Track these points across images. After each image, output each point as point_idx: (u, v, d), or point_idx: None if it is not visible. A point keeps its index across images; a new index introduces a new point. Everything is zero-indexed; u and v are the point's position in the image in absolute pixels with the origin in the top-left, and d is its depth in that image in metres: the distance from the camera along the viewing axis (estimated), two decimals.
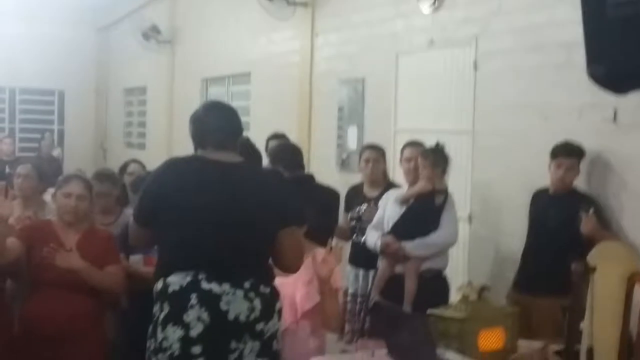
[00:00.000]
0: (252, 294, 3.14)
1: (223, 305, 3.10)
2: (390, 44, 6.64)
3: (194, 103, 10.27)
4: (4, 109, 14.24)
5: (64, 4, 13.06)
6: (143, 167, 5.75)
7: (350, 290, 5.37)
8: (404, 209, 4.85)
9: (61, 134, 14.48)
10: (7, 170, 8.86)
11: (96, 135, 14.77)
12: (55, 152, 12.94)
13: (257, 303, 3.15)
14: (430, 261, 4.76)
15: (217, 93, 10.19)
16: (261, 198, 3.25)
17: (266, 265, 3.29)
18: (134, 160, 5.91)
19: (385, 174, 5.58)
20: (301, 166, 4.94)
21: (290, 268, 3.41)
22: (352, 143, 7.17)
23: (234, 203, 3.20)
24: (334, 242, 4.67)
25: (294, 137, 7.66)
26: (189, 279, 3.10)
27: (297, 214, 3.35)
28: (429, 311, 3.63)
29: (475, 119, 5.68)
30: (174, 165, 3.37)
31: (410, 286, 4.72)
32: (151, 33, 11.20)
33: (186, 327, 3.08)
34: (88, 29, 14.15)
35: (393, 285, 4.78)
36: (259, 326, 3.16)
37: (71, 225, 4.04)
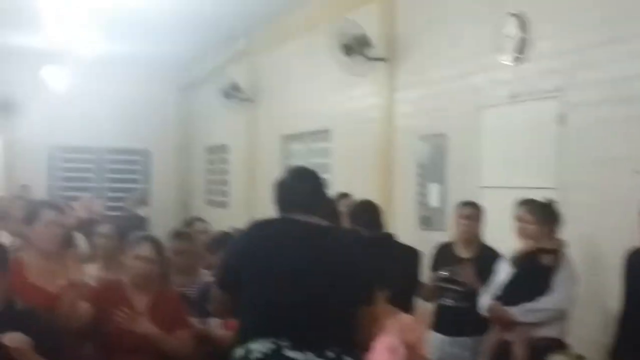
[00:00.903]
0: None
1: None
2: (471, 98, 6.50)
3: (275, 161, 10.38)
4: (92, 169, 14.65)
5: (148, 64, 13.42)
6: (208, 225, 5.75)
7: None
8: (514, 271, 4.60)
9: (147, 192, 14.76)
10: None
11: (180, 194, 15.00)
12: (142, 211, 13.17)
13: None
14: (545, 328, 4.43)
15: (298, 150, 10.21)
16: (347, 263, 3.18)
17: (350, 333, 3.18)
18: (199, 219, 5.90)
19: (479, 233, 5.35)
20: (380, 225, 4.82)
21: (364, 347, 3.30)
22: (434, 200, 7.00)
23: (319, 267, 3.12)
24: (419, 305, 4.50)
25: (373, 195, 7.54)
26: (271, 346, 3.03)
27: (382, 279, 3.28)
28: None
29: (561, 175, 5.46)
30: (258, 227, 3.34)
31: (518, 355, 4.42)
32: (232, 91, 11.33)
33: None
34: (171, 88, 14.49)
35: (503, 355, 4.49)
36: None
37: (141, 288, 4.01)
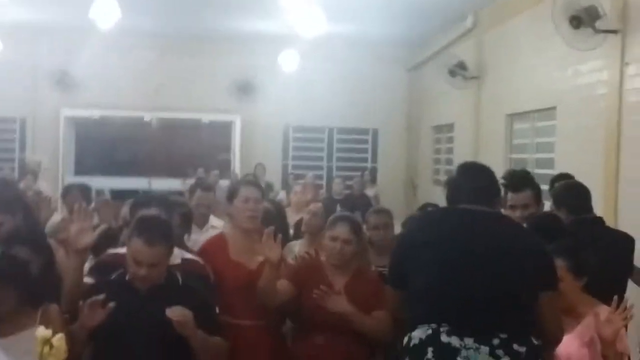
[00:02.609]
0: (500, 352, 2.91)
1: None
2: None
3: (499, 140, 10.07)
4: (323, 148, 15.11)
5: (376, 45, 13.57)
6: None
7: None
8: None
9: (374, 171, 14.99)
10: (338, 208, 9.12)
11: (407, 172, 15.06)
12: (371, 191, 13.35)
13: None
14: None
15: (522, 129, 9.83)
16: (519, 248, 3.05)
17: (525, 319, 3.01)
18: (430, 204, 5.82)
19: None
20: (587, 209, 4.49)
21: (550, 338, 3.10)
22: None
23: (486, 252, 3.03)
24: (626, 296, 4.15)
25: (599, 176, 7.13)
26: (429, 332, 2.99)
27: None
28: None
29: None
30: (424, 216, 3.31)
31: None
32: (457, 70, 11.15)
33: None
34: (399, 68, 14.55)
35: None
36: None
37: (339, 268, 4.03)
